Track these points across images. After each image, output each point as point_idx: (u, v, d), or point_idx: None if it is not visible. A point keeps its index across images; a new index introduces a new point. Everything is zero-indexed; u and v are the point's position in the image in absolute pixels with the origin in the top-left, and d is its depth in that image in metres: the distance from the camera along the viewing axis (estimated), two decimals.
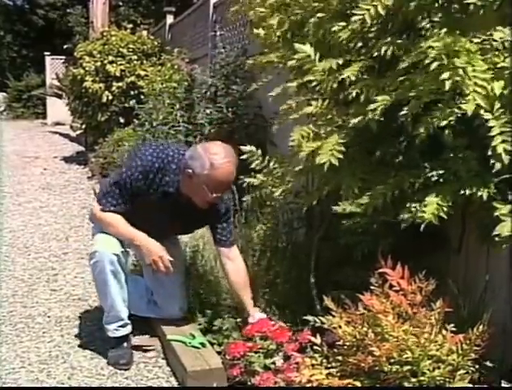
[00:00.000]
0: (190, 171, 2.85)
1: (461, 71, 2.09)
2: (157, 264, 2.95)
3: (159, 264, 2.95)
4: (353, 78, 2.50)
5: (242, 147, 3.17)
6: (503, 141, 2.07)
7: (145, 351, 3.18)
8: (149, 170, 2.93)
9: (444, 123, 2.16)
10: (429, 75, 2.18)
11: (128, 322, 3.10)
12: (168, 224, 3.07)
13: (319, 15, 2.81)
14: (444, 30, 2.22)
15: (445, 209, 2.22)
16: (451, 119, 2.15)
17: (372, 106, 2.35)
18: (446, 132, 2.20)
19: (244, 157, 3.16)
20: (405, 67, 2.35)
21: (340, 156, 2.43)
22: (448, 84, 2.10)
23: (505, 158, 2.07)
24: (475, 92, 2.09)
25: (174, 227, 3.17)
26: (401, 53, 2.43)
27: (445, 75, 2.10)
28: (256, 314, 3.02)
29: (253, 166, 3.17)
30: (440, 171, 2.34)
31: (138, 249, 3.04)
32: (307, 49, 2.69)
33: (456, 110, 2.14)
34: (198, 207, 2.96)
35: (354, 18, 2.47)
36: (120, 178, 2.96)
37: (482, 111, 2.11)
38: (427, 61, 2.16)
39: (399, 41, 2.45)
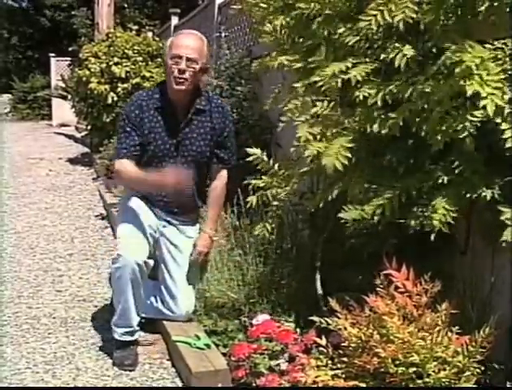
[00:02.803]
0: (164, 57, 3.23)
1: (477, 78, 2.10)
2: (177, 179, 2.99)
3: (178, 178, 2.99)
4: (359, 78, 2.49)
5: (248, 149, 3.19)
6: None
7: (150, 344, 3.22)
8: (141, 99, 3.17)
9: (465, 133, 2.16)
10: (445, 83, 2.18)
11: (137, 329, 3.11)
12: (173, 147, 3.15)
13: (326, 11, 2.80)
14: (468, 43, 2.22)
15: (452, 213, 2.22)
16: (468, 125, 2.15)
17: (390, 122, 2.36)
18: (467, 140, 2.19)
19: (250, 159, 3.17)
20: (415, 72, 2.35)
21: (345, 162, 2.43)
22: (469, 91, 2.10)
23: None
24: (491, 94, 2.09)
25: (180, 148, 3.18)
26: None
27: (468, 82, 2.11)
28: (206, 229, 3.26)
29: (258, 167, 3.18)
30: (447, 174, 2.34)
31: (155, 186, 3.09)
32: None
33: (473, 119, 2.14)
34: (194, 119, 3.16)
35: (361, 24, 2.46)
36: (121, 122, 3.19)
37: (495, 117, 2.12)
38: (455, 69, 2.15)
39: (408, 47, 2.44)
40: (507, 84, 2.13)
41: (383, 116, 2.43)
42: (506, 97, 2.11)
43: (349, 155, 2.45)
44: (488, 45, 2.22)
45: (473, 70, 2.11)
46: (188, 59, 3.05)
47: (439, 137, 2.22)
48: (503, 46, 2.22)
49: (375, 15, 2.42)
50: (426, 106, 2.30)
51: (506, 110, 2.11)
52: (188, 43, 3.10)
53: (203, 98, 3.21)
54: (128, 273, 2.96)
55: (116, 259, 3.00)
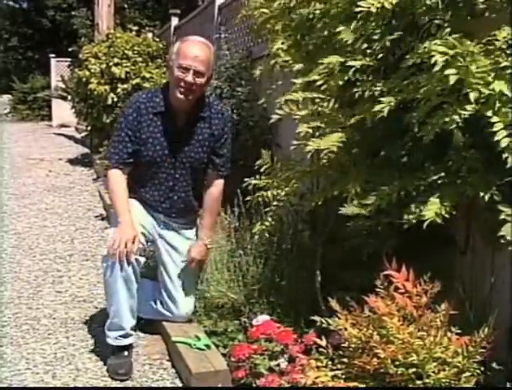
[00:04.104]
0: (168, 60, 3.13)
1: (464, 69, 2.10)
2: (115, 244, 2.87)
3: (117, 246, 2.87)
4: (358, 65, 2.49)
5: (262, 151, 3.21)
6: (508, 135, 2.06)
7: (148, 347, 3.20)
8: (140, 101, 3.11)
9: (453, 125, 2.16)
10: (434, 75, 2.18)
11: (131, 333, 3.06)
12: (171, 153, 3.13)
13: (328, 15, 2.81)
14: (450, 33, 2.22)
15: (448, 209, 2.22)
16: (457, 119, 2.14)
17: (378, 107, 2.35)
18: (455, 132, 2.19)
19: (258, 162, 3.17)
20: (409, 67, 2.35)
21: (340, 144, 2.45)
22: (452, 79, 2.10)
23: (510, 153, 2.06)
24: (476, 83, 2.10)
25: (178, 155, 3.15)
26: (405, 50, 2.43)
27: (449, 70, 2.11)
28: (202, 237, 3.23)
29: (262, 170, 3.18)
30: (444, 173, 2.34)
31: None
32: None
33: (462, 112, 2.14)
34: (193, 125, 3.13)
35: (358, 9, 2.46)
36: (118, 126, 3.14)
37: (485, 111, 2.11)
38: (432, 61, 2.16)
39: (399, 34, 2.45)
40: (495, 75, 2.12)
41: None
42: (493, 86, 2.09)
43: (345, 139, 2.47)
44: (480, 41, 2.23)
45: (459, 61, 2.11)
46: (195, 72, 3.00)
47: (429, 128, 2.22)
48: (493, 39, 2.21)
49: (373, 4, 2.42)
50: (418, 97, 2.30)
51: (498, 104, 2.10)
52: (197, 53, 3.02)
53: (204, 105, 3.17)
54: (118, 270, 2.90)
55: (106, 257, 2.94)
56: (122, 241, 2.88)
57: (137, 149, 3.09)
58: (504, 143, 2.05)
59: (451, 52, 2.11)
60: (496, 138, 2.06)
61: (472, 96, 2.08)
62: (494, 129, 2.07)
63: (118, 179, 3.09)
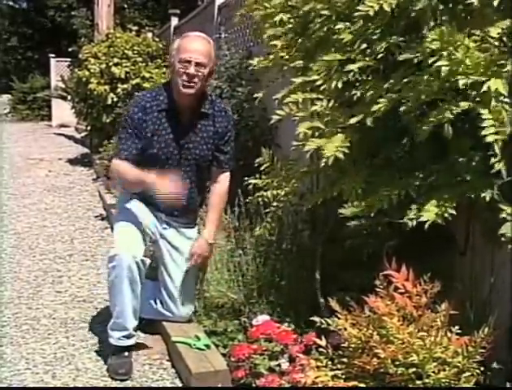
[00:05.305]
0: (170, 58, 3.15)
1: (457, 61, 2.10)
2: (172, 186, 2.96)
3: (173, 184, 2.96)
4: (356, 69, 2.50)
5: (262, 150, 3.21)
6: (496, 133, 2.06)
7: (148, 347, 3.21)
8: (145, 101, 3.11)
9: (444, 118, 2.16)
10: (431, 73, 2.18)
11: (134, 333, 3.08)
12: (176, 150, 3.13)
13: (324, 12, 2.80)
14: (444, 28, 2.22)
15: (449, 209, 2.22)
16: (450, 116, 2.15)
17: (376, 107, 2.35)
18: (446, 126, 2.19)
19: (258, 160, 3.18)
20: (408, 67, 2.35)
21: (346, 150, 2.44)
22: (444, 71, 2.10)
23: (497, 149, 2.06)
24: (471, 75, 2.10)
25: (183, 152, 3.15)
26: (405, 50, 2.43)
27: (442, 62, 2.12)
28: (204, 233, 3.19)
29: (261, 168, 3.18)
30: (444, 174, 2.34)
31: (152, 187, 3.00)
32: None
33: (454, 108, 2.14)
34: (197, 122, 3.13)
35: (358, 13, 2.46)
36: (124, 124, 3.12)
37: (480, 108, 2.11)
38: (430, 60, 2.16)
39: (401, 39, 2.45)
40: (491, 73, 2.12)
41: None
42: (489, 85, 2.09)
43: (348, 145, 2.45)
44: (474, 37, 2.23)
45: (454, 55, 2.11)
46: (196, 64, 3.00)
47: (424, 127, 2.22)
48: (485, 35, 2.22)
49: (372, 6, 2.42)
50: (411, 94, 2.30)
51: (493, 103, 2.10)
52: (197, 47, 3.04)
53: (207, 102, 3.17)
54: (125, 271, 2.91)
55: (112, 258, 2.96)
56: (172, 183, 2.96)
57: (143, 147, 3.09)
58: (490, 138, 2.06)
59: (445, 39, 2.11)
60: (483, 133, 2.07)
61: (461, 83, 2.08)
62: (484, 124, 2.08)
63: (125, 164, 3.06)
